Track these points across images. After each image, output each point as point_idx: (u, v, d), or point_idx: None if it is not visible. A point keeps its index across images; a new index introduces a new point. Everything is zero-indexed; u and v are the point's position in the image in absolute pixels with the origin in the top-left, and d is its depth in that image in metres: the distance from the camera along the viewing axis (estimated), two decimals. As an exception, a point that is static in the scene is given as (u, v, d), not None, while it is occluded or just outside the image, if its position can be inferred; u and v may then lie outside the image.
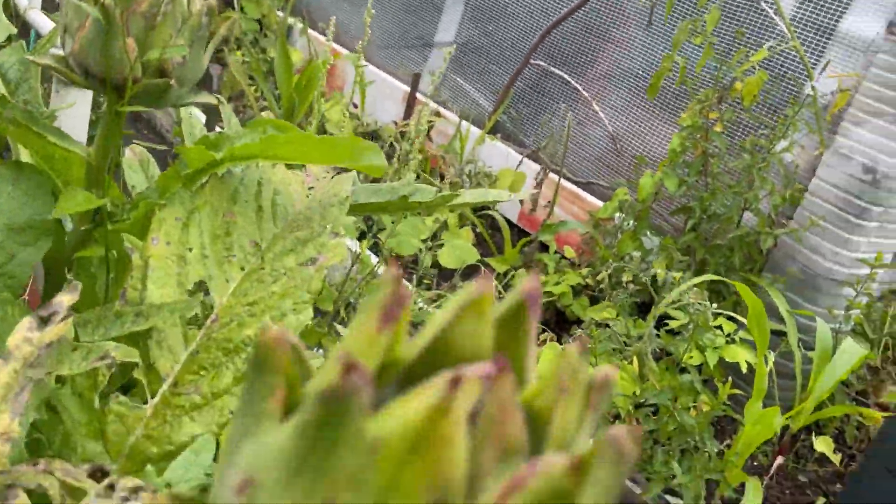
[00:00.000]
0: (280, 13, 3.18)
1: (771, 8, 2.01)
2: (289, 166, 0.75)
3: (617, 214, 2.01)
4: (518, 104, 2.75)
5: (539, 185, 2.30)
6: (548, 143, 2.48)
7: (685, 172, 1.90)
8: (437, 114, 2.88)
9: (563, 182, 2.45)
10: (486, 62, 2.86)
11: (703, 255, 1.87)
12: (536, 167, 2.57)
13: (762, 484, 1.53)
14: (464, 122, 2.75)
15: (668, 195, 1.95)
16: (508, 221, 2.68)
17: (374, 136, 2.69)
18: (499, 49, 2.80)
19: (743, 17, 2.07)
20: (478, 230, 2.26)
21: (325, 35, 3.47)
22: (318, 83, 2.35)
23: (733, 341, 1.66)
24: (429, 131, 2.91)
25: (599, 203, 2.37)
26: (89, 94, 0.99)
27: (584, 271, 2.02)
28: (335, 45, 3.39)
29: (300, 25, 3.31)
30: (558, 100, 2.63)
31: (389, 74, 3.14)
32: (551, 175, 2.34)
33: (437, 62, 3.10)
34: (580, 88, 2.53)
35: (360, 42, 2.14)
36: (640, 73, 2.38)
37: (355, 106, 3.24)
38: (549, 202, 2.32)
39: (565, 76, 2.57)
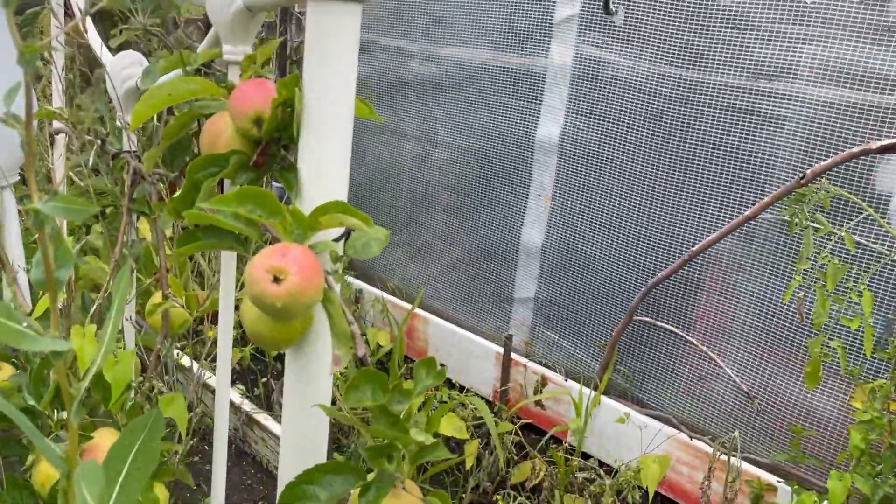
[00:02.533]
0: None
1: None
2: None
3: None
4: (625, 359, 2.58)
5: (714, 479, 2.07)
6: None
7: (874, 466, 1.67)
8: (543, 381, 2.70)
9: (697, 443, 2.23)
10: (577, 315, 2.71)
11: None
12: (659, 425, 2.36)
13: None
14: (573, 383, 2.56)
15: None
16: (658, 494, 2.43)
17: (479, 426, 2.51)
18: (588, 302, 2.66)
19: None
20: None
21: (395, 295, 3.37)
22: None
23: None
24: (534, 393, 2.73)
25: (758, 473, 2.13)
26: None
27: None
28: (409, 306, 3.29)
29: (369, 289, 3.21)
30: (670, 353, 2.45)
31: (471, 332, 3.00)
32: (717, 455, 2.12)
33: (520, 317, 2.96)
34: (695, 342, 2.35)
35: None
36: (761, 324, 2.20)
37: (442, 365, 3.09)
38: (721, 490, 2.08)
39: (675, 330, 2.40)
